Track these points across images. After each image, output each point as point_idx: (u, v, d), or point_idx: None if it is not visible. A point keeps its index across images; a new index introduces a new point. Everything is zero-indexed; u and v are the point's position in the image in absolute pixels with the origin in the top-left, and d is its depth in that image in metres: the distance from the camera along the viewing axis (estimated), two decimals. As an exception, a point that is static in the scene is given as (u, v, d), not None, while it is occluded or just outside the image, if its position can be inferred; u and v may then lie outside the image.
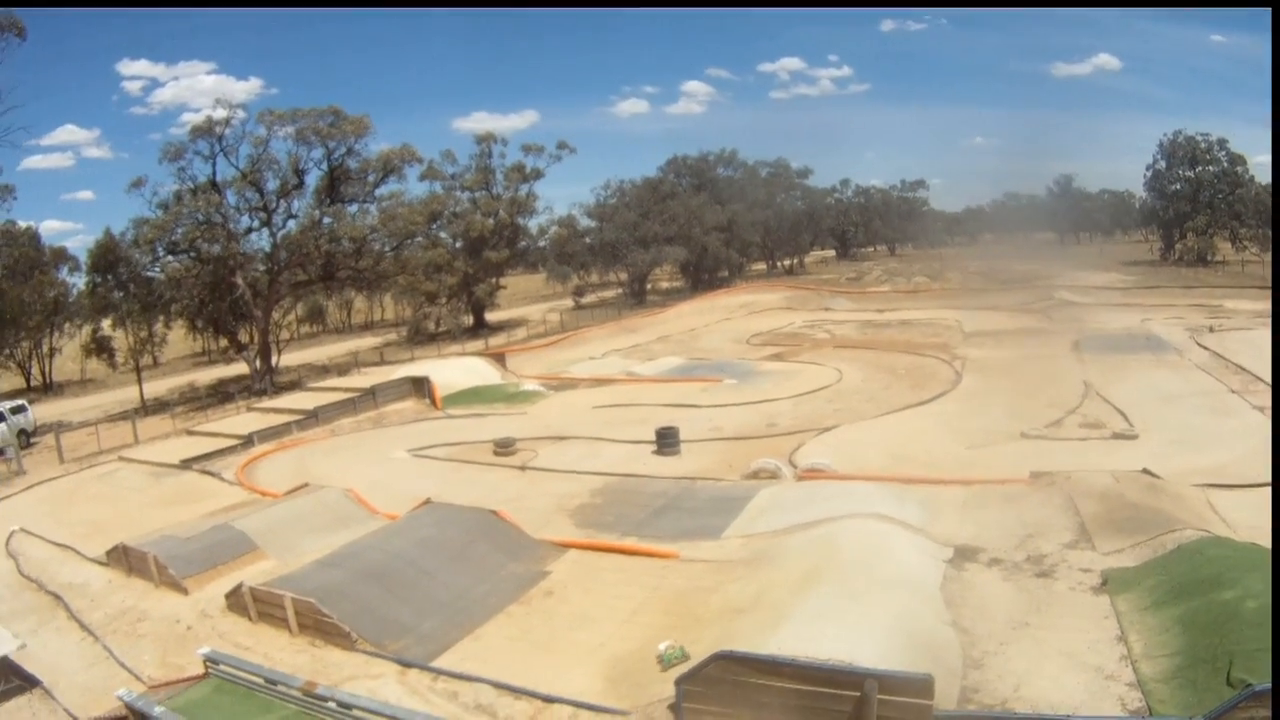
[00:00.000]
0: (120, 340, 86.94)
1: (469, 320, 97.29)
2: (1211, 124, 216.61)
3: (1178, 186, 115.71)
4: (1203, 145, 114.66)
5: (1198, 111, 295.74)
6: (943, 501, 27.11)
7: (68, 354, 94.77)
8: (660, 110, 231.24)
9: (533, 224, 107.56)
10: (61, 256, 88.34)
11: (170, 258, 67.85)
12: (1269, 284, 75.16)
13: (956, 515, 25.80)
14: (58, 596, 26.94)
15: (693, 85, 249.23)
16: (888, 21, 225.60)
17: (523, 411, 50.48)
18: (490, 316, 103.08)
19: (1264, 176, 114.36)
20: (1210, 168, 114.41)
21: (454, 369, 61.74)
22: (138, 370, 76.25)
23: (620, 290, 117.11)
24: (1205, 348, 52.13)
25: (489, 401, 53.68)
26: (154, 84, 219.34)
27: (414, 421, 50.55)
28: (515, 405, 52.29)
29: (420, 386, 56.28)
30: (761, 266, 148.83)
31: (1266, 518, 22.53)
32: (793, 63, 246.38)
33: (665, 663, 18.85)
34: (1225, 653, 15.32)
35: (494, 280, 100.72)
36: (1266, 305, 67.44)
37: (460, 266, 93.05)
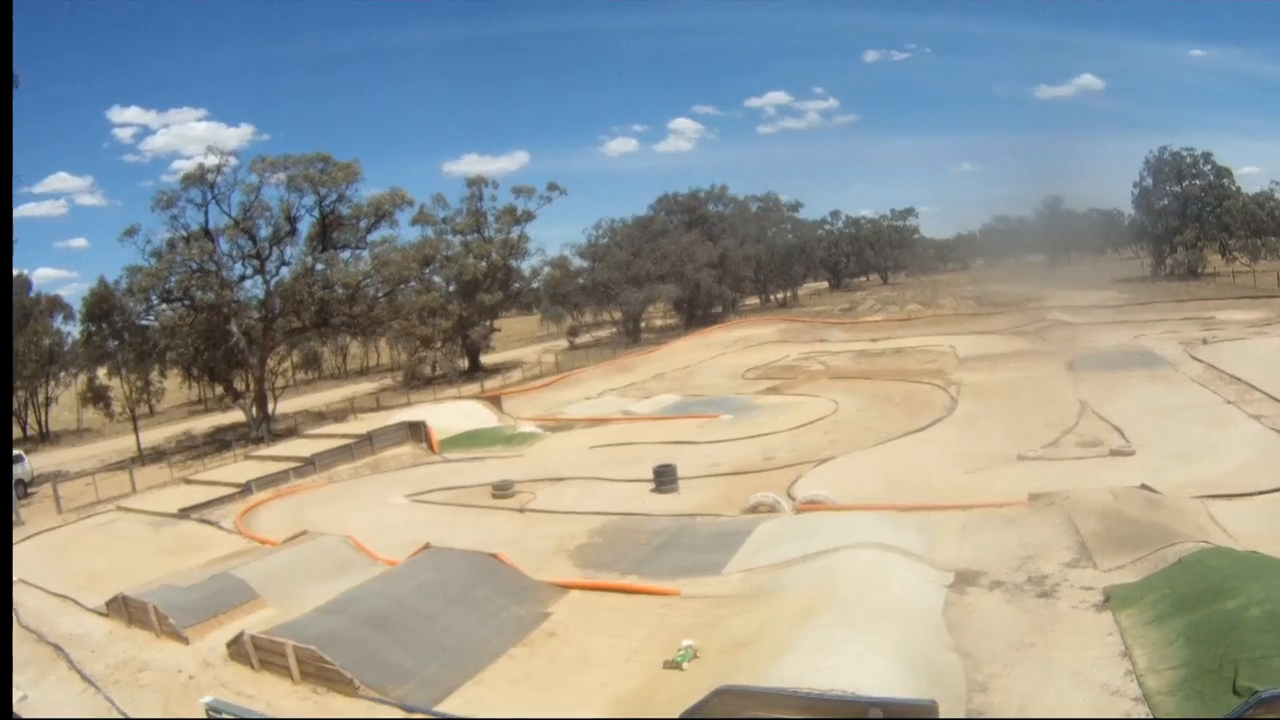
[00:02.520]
0: (117, 389, 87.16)
1: (464, 363, 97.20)
2: (1196, 138, 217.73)
3: (1165, 202, 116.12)
4: (1188, 160, 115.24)
5: (1182, 126, 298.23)
6: (942, 527, 27.05)
7: (64, 403, 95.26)
8: (649, 148, 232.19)
9: (525, 265, 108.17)
10: (55, 305, 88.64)
11: (164, 306, 68.18)
12: (1259, 293, 75.45)
13: (956, 540, 25.75)
14: (58, 647, 26.81)
15: (681, 122, 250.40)
16: (871, 52, 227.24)
17: (520, 454, 50.37)
18: (485, 359, 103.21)
19: (1250, 187, 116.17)
20: (1197, 181, 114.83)
21: (450, 413, 61.59)
22: (134, 419, 76.32)
23: (614, 329, 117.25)
24: (1199, 360, 52.24)
25: (486, 444, 53.55)
26: (145, 131, 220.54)
27: (412, 466, 50.40)
28: (512, 447, 52.18)
29: (417, 431, 56.08)
30: (755, 301, 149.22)
31: (1267, 526, 22.61)
32: (779, 96, 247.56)
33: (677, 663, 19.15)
34: (1230, 662, 15.30)
35: (488, 323, 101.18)
36: (1259, 315, 67.87)
37: (454, 310, 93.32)
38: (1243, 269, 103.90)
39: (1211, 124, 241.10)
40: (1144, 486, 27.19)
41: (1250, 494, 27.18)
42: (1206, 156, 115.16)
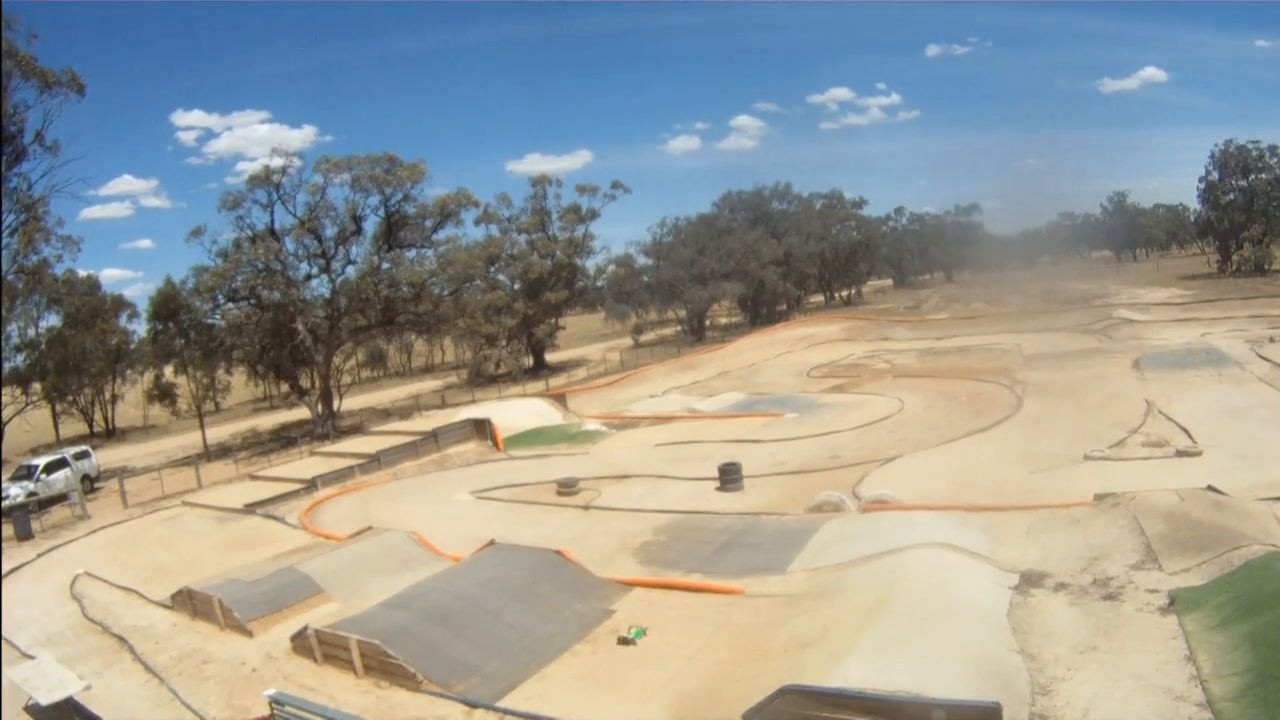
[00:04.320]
0: (183, 386, 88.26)
1: (529, 361, 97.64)
2: (1262, 131, 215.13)
3: (1232, 196, 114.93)
4: (1254, 153, 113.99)
5: (1247, 119, 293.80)
6: (1007, 528, 26.83)
7: (130, 400, 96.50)
8: (712, 146, 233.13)
9: (590, 264, 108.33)
10: (121, 304, 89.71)
11: (230, 305, 69.15)
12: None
13: (1021, 541, 25.55)
14: (123, 639, 27.37)
15: (743, 120, 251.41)
16: (933, 46, 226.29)
17: (585, 451, 50.57)
18: (550, 357, 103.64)
19: None
20: (1263, 175, 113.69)
21: (515, 410, 61.89)
22: (200, 416, 77.21)
23: (679, 327, 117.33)
24: (1267, 359, 51.56)
25: (551, 442, 53.84)
26: (208, 134, 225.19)
27: (476, 463, 50.70)
28: (577, 445, 52.44)
29: (482, 428, 56.43)
30: (819, 298, 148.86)
31: (1334, 530, 22.26)
32: (841, 93, 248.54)
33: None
34: (1296, 669, 15.14)
35: (553, 321, 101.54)
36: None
37: (519, 308, 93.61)
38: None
39: (1278, 115, 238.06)
40: (1210, 488, 26.79)
41: (1318, 497, 26.77)
42: (1274, 149, 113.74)
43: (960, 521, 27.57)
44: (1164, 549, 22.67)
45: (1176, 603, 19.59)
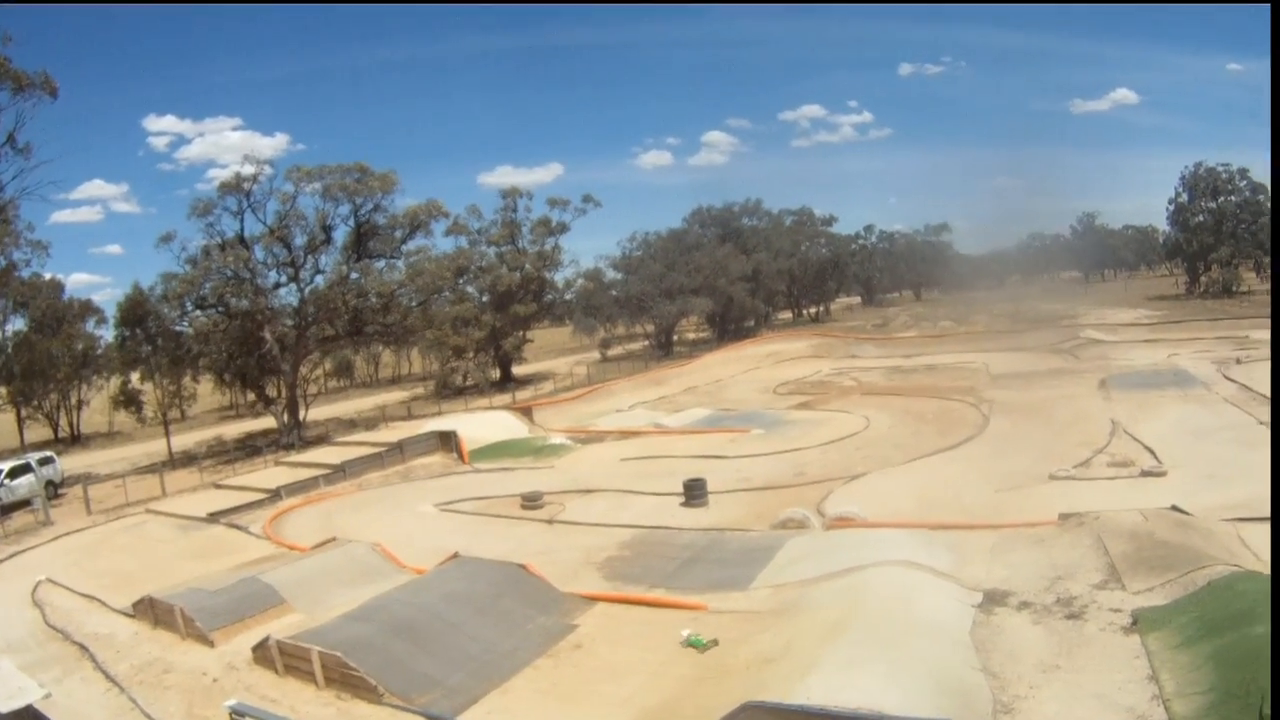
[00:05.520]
0: (149, 393, 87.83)
1: (496, 374, 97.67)
2: (1232, 154, 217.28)
3: (1201, 218, 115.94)
4: (1224, 176, 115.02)
5: (1217, 142, 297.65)
6: (971, 546, 26.89)
7: (95, 406, 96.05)
8: (683, 161, 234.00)
9: (559, 277, 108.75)
10: (88, 309, 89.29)
11: (199, 312, 68.97)
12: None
13: (985, 559, 25.59)
14: (84, 647, 27.18)
15: (714, 135, 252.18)
16: (906, 65, 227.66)
17: (550, 465, 50.48)
18: (517, 370, 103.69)
19: None
20: (1233, 198, 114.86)
21: (481, 423, 61.77)
22: (165, 423, 76.80)
23: (646, 342, 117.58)
24: (1233, 380, 51.85)
25: (516, 455, 53.67)
26: (180, 140, 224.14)
27: (441, 476, 50.58)
28: (542, 459, 52.29)
29: (448, 441, 56.28)
30: (787, 315, 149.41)
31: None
32: (813, 110, 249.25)
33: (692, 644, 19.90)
34: (1259, 688, 15.11)
35: (521, 334, 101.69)
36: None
37: (487, 320, 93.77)
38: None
39: (1249, 139, 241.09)
40: (1175, 508, 26.94)
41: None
42: (1243, 172, 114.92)
43: (925, 539, 27.60)
44: (1128, 569, 22.74)
45: (1140, 622, 19.63)
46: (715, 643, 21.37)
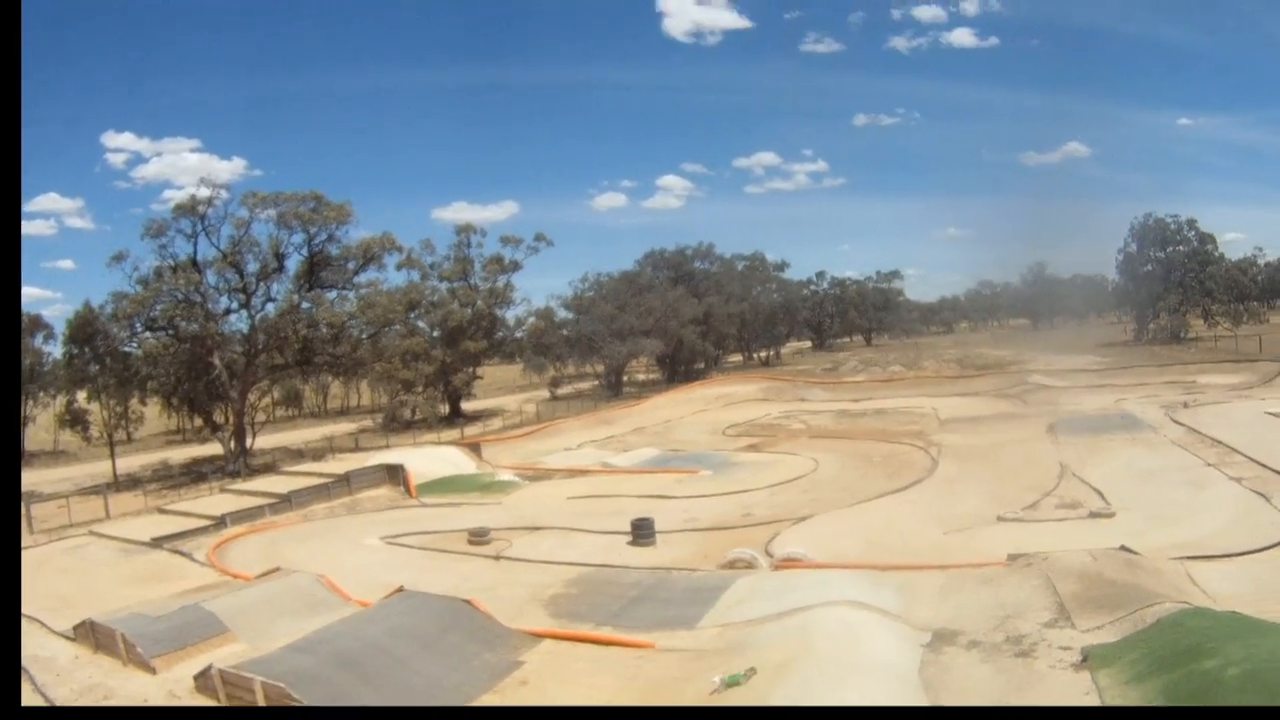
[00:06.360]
0: (95, 413, 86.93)
1: (445, 409, 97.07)
2: (1180, 205, 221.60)
3: (1149, 267, 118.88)
4: (1172, 226, 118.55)
5: (1167, 193, 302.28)
6: (920, 587, 26.94)
7: (41, 424, 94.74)
8: (637, 204, 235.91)
9: (510, 315, 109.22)
10: (37, 324, 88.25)
11: (148, 334, 68.54)
12: (1241, 358, 76.29)
13: (934, 600, 25.65)
14: (23, 669, 26.46)
15: (669, 179, 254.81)
16: (861, 116, 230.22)
17: (498, 501, 50.11)
18: (466, 406, 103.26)
19: (1233, 253, 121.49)
20: (1180, 248, 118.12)
21: (429, 458, 61.31)
22: (111, 445, 76.13)
23: (596, 382, 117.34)
24: (1180, 423, 52.65)
25: (464, 491, 53.27)
26: (138, 158, 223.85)
27: (388, 509, 50.11)
28: (490, 495, 51.95)
29: (395, 474, 55.77)
30: (738, 358, 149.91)
31: (1246, 587, 22.66)
32: (768, 158, 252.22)
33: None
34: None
35: (471, 370, 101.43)
36: (1240, 379, 68.81)
37: (437, 355, 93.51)
38: (1225, 334, 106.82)
39: (1196, 191, 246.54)
40: (1123, 548, 27.22)
41: (1229, 555, 27.45)
42: (1190, 223, 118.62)
43: (873, 580, 27.64)
44: (1077, 607, 22.85)
45: (1090, 659, 19.70)
46: (754, 671, 21.09)
